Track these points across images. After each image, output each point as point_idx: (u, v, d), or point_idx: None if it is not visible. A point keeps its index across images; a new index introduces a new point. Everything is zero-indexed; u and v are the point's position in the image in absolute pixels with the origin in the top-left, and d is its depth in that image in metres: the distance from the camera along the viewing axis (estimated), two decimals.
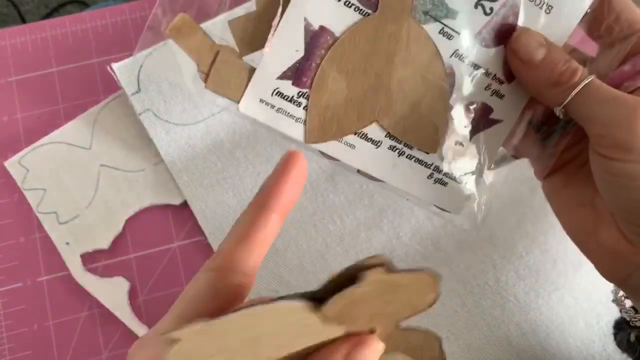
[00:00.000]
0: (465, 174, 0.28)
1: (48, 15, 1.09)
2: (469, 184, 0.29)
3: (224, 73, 0.24)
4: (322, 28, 0.24)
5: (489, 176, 0.29)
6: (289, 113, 0.24)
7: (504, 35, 0.26)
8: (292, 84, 0.24)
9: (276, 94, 0.24)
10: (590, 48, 0.29)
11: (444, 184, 0.28)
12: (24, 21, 1.08)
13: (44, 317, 0.37)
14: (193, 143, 0.39)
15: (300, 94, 0.24)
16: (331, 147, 0.26)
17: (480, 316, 0.37)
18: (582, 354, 0.37)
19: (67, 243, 0.38)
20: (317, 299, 0.18)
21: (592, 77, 0.25)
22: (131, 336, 0.37)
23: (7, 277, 0.38)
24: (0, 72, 0.42)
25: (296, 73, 0.24)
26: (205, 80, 0.24)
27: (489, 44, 0.26)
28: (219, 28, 0.38)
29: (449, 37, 0.25)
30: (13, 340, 0.37)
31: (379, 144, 0.26)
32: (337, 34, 0.24)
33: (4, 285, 0.38)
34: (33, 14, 1.12)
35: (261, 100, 0.24)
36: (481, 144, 0.28)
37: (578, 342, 0.37)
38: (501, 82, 0.27)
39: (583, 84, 0.25)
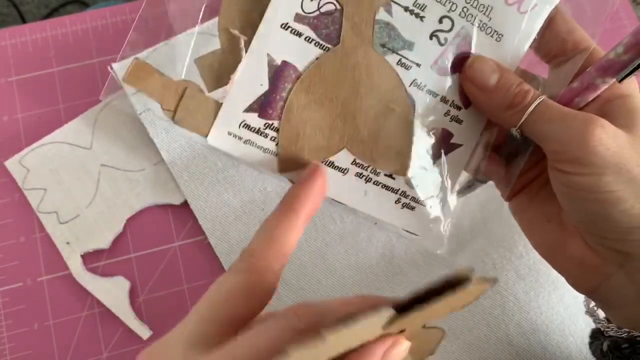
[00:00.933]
0: (430, 198, 0.29)
1: (48, 15, 1.09)
2: (434, 208, 0.30)
3: (191, 108, 0.25)
4: (284, 63, 0.25)
5: (453, 200, 0.31)
6: (256, 144, 0.25)
7: (459, 63, 0.28)
8: (258, 116, 0.25)
9: (243, 126, 0.25)
10: (542, 69, 0.30)
11: (412, 208, 0.29)
12: (24, 21, 1.08)
13: (45, 317, 0.37)
14: (193, 143, 0.39)
15: (266, 125, 0.25)
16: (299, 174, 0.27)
17: (480, 315, 0.37)
18: (581, 353, 0.37)
19: (68, 243, 0.38)
20: (402, 306, 0.19)
21: (543, 97, 0.26)
22: (131, 336, 0.37)
23: (8, 276, 0.38)
24: (1, 72, 0.42)
25: (262, 106, 0.25)
26: (173, 117, 0.25)
27: (444, 73, 0.27)
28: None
29: (407, 67, 0.27)
30: (13, 339, 0.37)
31: (345, 171, 0.27)
32: (300, 68, 0.25)
33: (4, 284, 0.38)
34: (33, 14, 1.12)
35: (229, 133, 0.25)
36: (444, 168, 0.29)
37: (578, 341, 0.37)
38: (459, 108, 0.28)
39: (535, 104, 0.26)
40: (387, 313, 0.19)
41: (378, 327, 0.19)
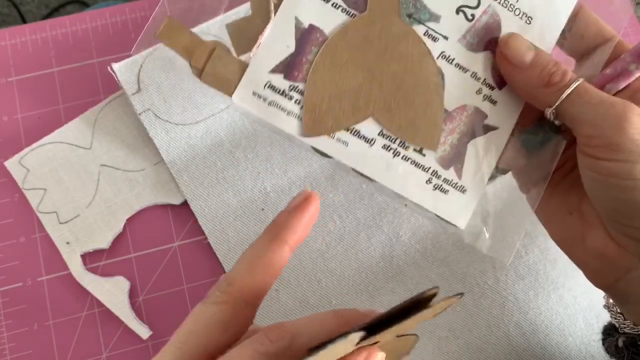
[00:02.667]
0: (465, 181, 0.28)
1: (48, 15, 1.09)
2: (470, 193, 0.28)
3: (219, 68, 0.25)
4: (311, 26, 0.25)
5: (489, 187, 0.29)
6: (281, 106, 0.25)
7: (489, 41, 0.27)
8: (284, 77, 0.25)
9: (268, 87, 0.25)
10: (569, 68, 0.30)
11: (445, 191, 0.28)
12: (24, 21, 1.08)
13: (45, 317, 0.37)
14: (193, 143, 0.39)
15: (291, 87, 0.25)
16: (324, 143, 0.26)
17: (479, 315, 0.37)
18: (581, 353, 0.37)
19: (68, 243, 0.38)
20: (373, 325, 0.19)
21: (581, 80, 0.26)
22: (131, 336, 0.37)
23: (8, 276, 0.38)
24: (1, 72, 0.42)
25: (288, 67, 0.25)
26: (199, 75, 0.25)
27: (474, 48, 0.27)
28: (216, 27, 0.38)
29: (434, 39, 0.26)
30: (13, 339, 0.37)
31: (372, 142, 0.26)
32: (327, 32, 0.25)
33: (4, 284, 0.38)
34: (33, 14, 1.12)
35: (254, 93, 0.25)
36: (479, 151, 0.28)
37: (577, 341, 0.37)
38: (492, 88, 0.28)
39: (574, 85, 0.26)
40: (356, 337, 0.19)
41: (350, 346, 0.20)
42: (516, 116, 0.29)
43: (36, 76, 0.42)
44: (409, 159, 0.27)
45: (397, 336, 0.22)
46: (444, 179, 0.28)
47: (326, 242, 0.38)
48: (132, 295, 0.38)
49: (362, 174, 0.27)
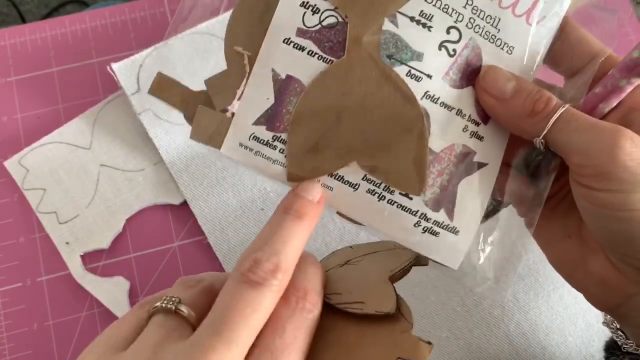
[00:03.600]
0: (457, 222, 0.27)
1: (48, 15, 1.09)
2: (464, 234, 0.27)
3: (204, 123, 0.26)
4: (289, 77, 0.25)
5: (484, 226, 0.28)
6: (266, 156, 0.26)
7: (471, 75, 0.26)
8: (266, 129, 0.25)
9: (253, 139, 0.25)
10: (559, 81, 0.29)
11: (435, 233, 0.27)
12: (23, 21, 1.08)
13: (44, 317, 0.37)
14: (193, 143, 0.39)
15: (274, 137, 0.25)
16: None
17: (480, 315, 0.37)
18: (581, 353, 0.37)
19: (67, 243, 0.38)
20: None
21: (567, 105, 0.25)
22: None
23: (7, 276, 0.38)
24: (0, 72, 0.42)
25: (269, 119, 0.25)
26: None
27: (457, 85, 0.26)
28: (217, 28, 0.38)
29: (418, 79, 0.25)
30: (13, 339, 0.37)
31: (356, 187, 0.26)
32: (305, 82, 0.25)
33: (4, 285, 0.38)
34: (33, 13, 1.12)
35: (240, 144, 0.26)
36: (472, 190, 0.27)
37: (577, 342, 0.37)
38: (477, 124, 0.27)
39: (560, 111, 0.25)
40: None
41: None
42: (503, 149, 0.28)
43: (36, 76, 0.42)
44: (395, 202, 0.26)
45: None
46: (434, 221, 0.27)
47: (326, 242, 0.38)
48: (132, 295, 0.38)
49: (350, 218, 0.27)
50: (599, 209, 0.25)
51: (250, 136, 0.25)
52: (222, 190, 0.39)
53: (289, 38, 0.25)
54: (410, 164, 0.26)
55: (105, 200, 0.39)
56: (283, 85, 0.25)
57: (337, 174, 0.26)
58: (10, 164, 0.39)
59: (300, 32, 0.25)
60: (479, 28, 0.26)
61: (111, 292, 0.37)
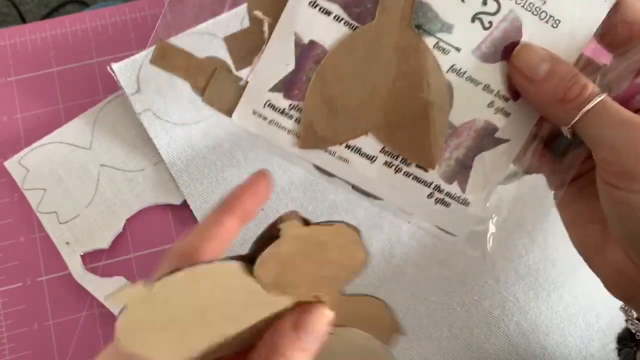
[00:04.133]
0: (469, 195, 0.27)
1: (48, 15, 1.09)
2: (473, 206, 0.27)
3: (219, 89, 0.24)
4: (312, 42, 0.24)
5: (495, 197, 0.28)
6: (281, 125, 0.25)
7: (506, 50, 0.25)
8: (284, 96, 0.24)
9: (268, 106, 0.24)
10: (608, 59, 0.27)
11: (446, 204, 0.27)
12: (23, 21, 1.08)
13: (44, 317, 0.37)
14: (193, 143, 0.39)
15: (291, 106, 0.24)
16: (325, 160, 0.26)
17: (479, 315, 0.37)
18: (581, 353, 0.37)
19: (67, 243, 0.38)
20: (250, 261, 0.19)
21: (603, 96, 0.23)
22: None
23: (7, 276, 0.38)
24: (0, 72, 0.42)
25: (287, 85, 0.24)
26: (202, 95, 0.24)
27: (489, 59, 0.25)
28: (221, 27, 0.38)
29: (445, 51, 0.25)
30: (13, 340, 0.37)
31: (373, 159, 0.26)
32: (328, 48, 0.24)
33: (4, 284, 0.38)
34: (33, 13, 1.12)
35: (254, 112, 0.24)
36: (486, 164, 0.27)
37: (577, 341, 0.37)
38: (506, 100, 0.26)
39: (593, 103, 0.23)
40: (235, 263, 0.19)
41: (257, 289, 0.19)
42: (530, 127, 0.27)
43: (36, 76, 0.42)
44: (410, 174, 0.26)
45: (346, 295, 0.21)
46: (447, 192, 0.27)
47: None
48: None
49: (363, 191, 0.27)
50: (620, 207, 0.24)
51: (265, 103, 0.24)
52: (223, 190, 0.39)
53: (315, 1, 0.24)
54: (428, 137, 0.25)
55: (105, 200, 0.39)
56: (305, 51, 0.24)
57: (355, 145, 0.25)
58: (10, 164, 0.39)
59: None
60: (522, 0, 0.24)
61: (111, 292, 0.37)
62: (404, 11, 0.24)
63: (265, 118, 0.25)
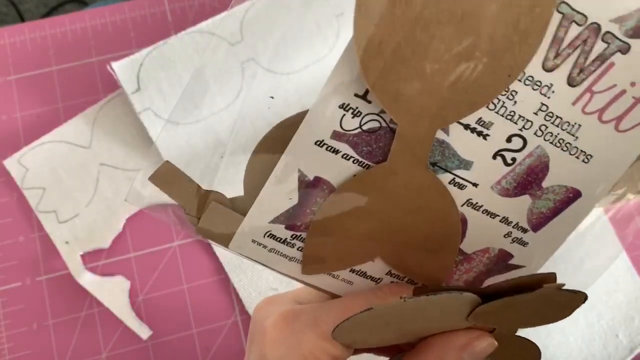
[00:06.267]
0: None
1: (47, 14, 1.09)
2: None
3: (214, 219, 0.24)
4: (317, 178, 0.23)
5: None
6: (282, 253, 0.24)
7: (528, 184, 0.24)
8: (285, 227, 0.23)
9: (268, 236, 0.24)
10: None
11: None
12: (23, 20, 1.08)
13: (44, 317, 0.37)
14: (193, 142, 0.39)
15: (294, 236, 0.24)
16: (328, 283, 0.25)
17: None
18: (582, 352, 0.37)
19: (67, 242, 0.38)
20: (482, 295, 0.20)
21: None
22: (131, 335, 0.37)
23: (7, 276, 0.38)
24: (0, 71, 0.42)
25: (289, 218, 0.23)
26: (196, 224, 0.24)
27: (509, 194, 0.24)
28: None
29: (461, 187, 0.23)
30: (12, 339, 0.36)
31: (378, 280, 0.25)
32: (335, 184, 0.23)
33: (3, 284, 0.37)
34: (32, 12, 1.12)
35: (253, 241, 0.24)
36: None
37: (579, 341, 0.37)
38: (525, 231, 0.25)
39: None
40: (470, 299, 0.19)
41: (462, 316, 0.20)
42: (548, 257, 0.26)
43: (35, 75, 0.42)
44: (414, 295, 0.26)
45: (516, 336, 0.23)
46: None
47: None
48: (132, 295, 0.37)
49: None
50: None
51: (265, 234, 0.24)
52: (223, 190, 0.39)
53: (323, 140, 0.22)
54: (438, 262, 0.25)
55: (105, 199, 0.39)
56: (309, 186, 0.23)
57: (360, 269, 0.25)
58: (9, 163, 0.39)
59: (337, 135, 0.22)
60: (551, 136, 0.23)
61: (111, 291, 0.37)
62: (421, 151, 0.22)
63: (265, 247, 0.24)
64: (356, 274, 0.25)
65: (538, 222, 0.25)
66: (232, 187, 0.24)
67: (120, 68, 0.39)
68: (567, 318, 0.40)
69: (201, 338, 0.37)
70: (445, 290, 0.20)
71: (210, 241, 0.24)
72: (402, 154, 0.22)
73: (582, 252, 0.30)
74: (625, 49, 0.21)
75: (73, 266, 0.37)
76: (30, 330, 0.37)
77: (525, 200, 0.24)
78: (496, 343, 0.22)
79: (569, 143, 0.23)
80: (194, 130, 0.39)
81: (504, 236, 0.25)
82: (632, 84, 0.22)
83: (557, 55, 0.21)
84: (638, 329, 0.38)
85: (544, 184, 0.24)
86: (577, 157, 0.23)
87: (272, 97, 0.27)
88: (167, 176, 0.24)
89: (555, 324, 0.37)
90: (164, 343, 0.37)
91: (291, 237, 0.24)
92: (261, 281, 0.38)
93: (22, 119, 0.41)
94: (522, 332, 0.35)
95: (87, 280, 0.37)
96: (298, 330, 0.23)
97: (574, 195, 0.24)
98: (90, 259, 0.38)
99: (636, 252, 0.40)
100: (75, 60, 0.42)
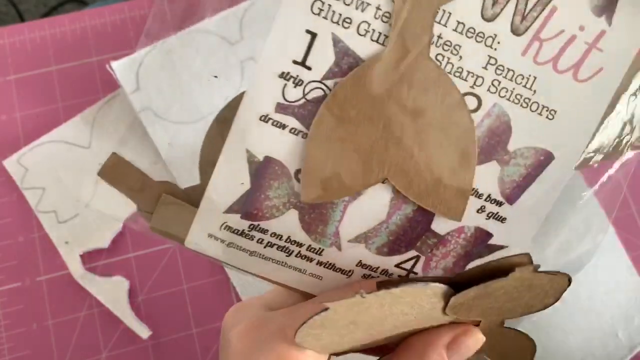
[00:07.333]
0: None
1: (47, 14, 1.09)
2: None
3: (167, 215, 0.22)
4: (267, 159, 0.21)
5: None
6: (241, 247, 0.22)
7: (493, 148, 0.22)
8: (241, 217, 0.22)
9: (225, 228, 0.22)
10: None
11: None
12: (22, 20, 1.08)
13: (43, 317, 0.37)
14: (192, 141, 0.39)
15: (251, 226, 0.22)
16: (295, 279, 0.24)
17: None
18: (582, 351, 0.37)
19: (67, 242, 0.38)
20: (453, 285, 0.19)
21: None
22: (131, 335, 0.37)
23: (6, 276, 0.38)
24: None
25: (244, 206, 0.22)
26: (149, 220, 0.22)
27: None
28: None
29: None
30: (12, 339, 0.36)
31: (349, 274, 0.23)
32: (287, 164, 0.21)
33: (3, 284, 0.37)
34: (32, 12, 1.12)
35: (209, 235, 0.22)
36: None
37: (578, 340, 0.37)
38: (499, 204, 0.23)
39: None
40: (438, 288, 0.18)
41: (437, 310, 0.19)
42: (532, 232, 0.24)
43: (35, 75, 0.42)
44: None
45: (504, 327, 0.21)
46: None
47: None
48: (132, 295, 0.37)
49: None
50: None
51: (221, 226, 0.22)
52: None
53: (267, 115, 0.21)
54: (453, 181, 0.22)
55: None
56: (260, 168, 0.21)
57: (328, 261, 0.23)
58: (9, 163, 0.39)
59: (281, 107, 0.21)
60: (506, 91, 0.21)
61: (111, 291, 0.37)
62: (422, 38, 0.20)
63: (223, 241, 0.22)
64: (324, 266, 0.23)
65: (512, 193, 0.23)
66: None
67: (120, 67, 0.39)
68: (567, 317, 0.40)
69: (201, 338, 0.37)
70: (408, 282, 0.18)
71: (170, 240, 0.22)
72: (400, 40, 0.20)
73: (568, 233, 0.28)
74: None
75: (73, 266, 0.37)
76: (30, 331, 0.37)
77: (493, 167, 0.22)
78: (484, 338, 0.20)
79: (527, 98, 0.21)
80: (194, 129, 0.39)
81: (477, 211, 0.23)
82: (581, 28, 0.20)
83: (495, 3, 0.20)
84: (638, 328, 0.38)
85: (510, 147, 0.22)
86: (540, 114, 0.22)
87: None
88: (116, 170, 0.22)
89: (555, 323, 0.37)
90: (163, 343, 0.37)
91: (249, 227, 0.22)
92: (261, 281, 0.38)
93: (22, 119, 0.41)
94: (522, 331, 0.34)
95: (87, 280, 0.37)
96: (264, 340, 0.21)
97: (545, 157, 0.22)
98: (90, 259, 0.38)
99: (636, 252, 0.40)
100: (74, 60, 0.42)
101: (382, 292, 0.18)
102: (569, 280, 0.19)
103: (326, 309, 0.18)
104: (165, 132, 0.39)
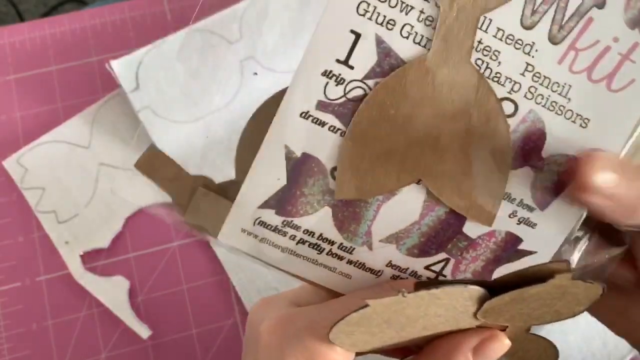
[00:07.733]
0: None
1: (47, 14, 1.09)
2: None
3: (202, 207, 0.22)
4: (305, 155, 0.22)
5: None
6: (273, 243, 0.23)
7: (528, 153, 0.22)
8: (276, 213, 0.22)
9: (258, 224, 0.22)
10: None
11: None
12: (22, 20, 1.08)
13: (43, 317, 0.37)
14: (192, 141, 0.39)
15: (285, 222, 0.22)
16: (324, 277, 0.24)
17: None
18: (582, 351, 0.37)
19: (67, 242, 0.38)
20: (488, 288, 0.19)
21: None
22: (131, 335, 0.36)
23: (6, 276, 0.38)
24: None
25: (280, 202, 0.22)
26: (183, 214, 0.22)
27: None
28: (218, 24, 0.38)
29: None
30: (12, 340, 0.36)
31: (379, 274, 0.23)
32: (324, 161, 0.22)
33: (2, 284, 0.37)
34: (32, 12, 1.12)
35: (242, 230, 0.22)
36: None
37: (578, 339, 0.37)
38: (530, 209, 0.23)
39: None
40: (476, 292, 0.18)
41: (469, 313, 0.19)
42: (562, 239, 0.24)
43: (34, 74, 0.42)
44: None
45: (529, 332, 0.21)
46: None
47: None
48: (132, 295, 0.37)
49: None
50: None
51: (255, 221, 0.22)
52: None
53: (308, 112, 0.21)
54: (485, 192, 0.23)
55: (104, 199, 0.39)
56: (297, 164, 0.22)
57: (358, 260, 0.23)
58: (8, 163, 0.39)
59: (322, 105, 0.21)
60: (542, 98, 0.22)
61: (111, 291, 0.37)
62: (465, 43, 0.21)
63: (255, 236, 0.23)
64: (354, 265, 0.23)
65: (544, 199, 0.23)
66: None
67: (119, 66, 0.39)
68: None
69: (201, 338, 0.37)
70: (448, 283, 0.18)
71: (201, 234, 0.23)
72: (443, 44, 0.20)
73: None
74: (601, 4, 0.21)
75: (73, 266, 0.37)
76: (30, 331, 0.37)
77: (527, 173, 0.22)
78: (510, 343, 0.20)
79: (562, 106, 0.22)
80: (193, 128, 0.39)
81: (509, 216, 0.23)
82: (615, 40, 0.21)
83: (533, 12, 0.20)
84: None
85: (544, 154, 0.22)
86: (574, 122, 0.22)
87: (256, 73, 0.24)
88: (153, 162, 0.22)
89: (554, 323, 0.37)
90: (163, 343, 0.37)
91: (282, 223, 0.22)
92: (261, 281, 0.38)
93: (22, 118, 0.41)
94: None
95: (87, 280, 0.37)
96: (294, 335, 0.21)
97: None
98: (90, 259, 0.38)
99: None
100: (74, 60, 0.42)
101: (423, 292, 0.18)
102: (603, 290, 0.19)
103: (366, 305, 0.18)
104: (165, 131, 0.39)
